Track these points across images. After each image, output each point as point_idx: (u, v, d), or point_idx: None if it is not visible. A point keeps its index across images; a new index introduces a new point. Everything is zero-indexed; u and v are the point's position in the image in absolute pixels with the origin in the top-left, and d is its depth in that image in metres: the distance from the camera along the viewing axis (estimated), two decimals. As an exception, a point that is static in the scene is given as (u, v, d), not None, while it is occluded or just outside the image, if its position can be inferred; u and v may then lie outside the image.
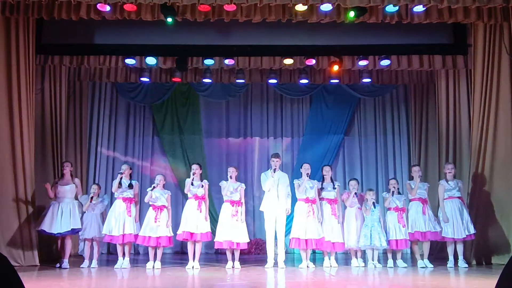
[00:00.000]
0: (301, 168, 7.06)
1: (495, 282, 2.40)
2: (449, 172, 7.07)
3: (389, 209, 7.03)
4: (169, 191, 7.09)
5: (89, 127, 9.89)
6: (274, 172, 6.90)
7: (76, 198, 7.06)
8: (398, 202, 7.00)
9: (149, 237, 6.67)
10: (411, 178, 7.25)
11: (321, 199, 7.01)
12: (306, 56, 8.15)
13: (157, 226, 6.68)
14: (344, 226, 7.01)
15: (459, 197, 6.96)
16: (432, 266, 6.71)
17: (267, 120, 10.45)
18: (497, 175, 7.17)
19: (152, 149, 10.30)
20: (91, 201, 7.01)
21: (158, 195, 6.82)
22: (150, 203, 6.83)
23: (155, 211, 6.76)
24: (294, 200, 7.03)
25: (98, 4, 6.51)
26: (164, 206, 6.82)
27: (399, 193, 7.13)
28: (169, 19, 6.80)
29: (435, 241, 7.14)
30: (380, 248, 6.86)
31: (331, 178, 7.18)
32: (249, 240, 6.97)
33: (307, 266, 6.74)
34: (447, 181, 7.04)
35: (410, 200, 7.10)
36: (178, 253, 9.39)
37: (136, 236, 6.78)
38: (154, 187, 6.77)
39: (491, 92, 7.25)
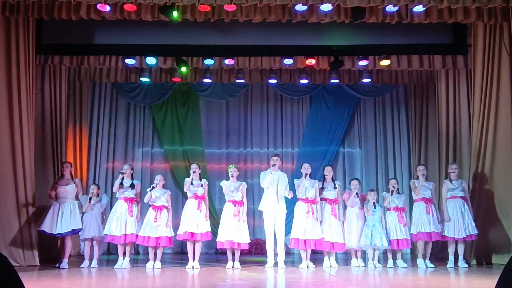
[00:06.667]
0: (301, 168, 7.07)
1: (495, 282, 2.40)
2: (452, 172, 7.08)
3: (388, 209, 7.03)
4: (169, 191, 7.08)
5: (89, 127, 9.88)
6: (274, 171, 6.91)
7: (77, 198, 7.06)
8: (398, 202, 7.01)
9: (149, 237, 6.67)
10: (416, 177, 7.25)
11: (322, 199, 7.01)
12: (306, 56, 8.15)
13: (157, 226, 6.68)
14: (345, 226, 7.01)
15: (462, 197, 6.95)
16: (433, 266, 6.71)
17: (267, 120, 10.44)
18: (497, 175, 7.17)
19: (152, 149, 10.29)
20: (89, 202, 7.01)
21: (158, 195, 6.82)
22: (150, 203, 6.83)
23: (155, 211, 6.76)
24: (294, 200, 7.03)
25: (98, 4, 6.52)
26: (164, 206, 6.81)
27: (398, 192, 7.14)
28: (175, 14, 6.72)
29: (436, 241, 7.14)
30: (381, 248, 6.86)
31: (332, 178, 7.18)
32: (250, 241, 6.98)
33: (307, 266, 6.74)
34: (450, 181, 7.04)
35: (414, 200, 7.11)
36: (178, 253, 9.38)
37: (137, 236, 6.78)
38: (153, 188, 6.78)
39: (491, 92, 7.25)
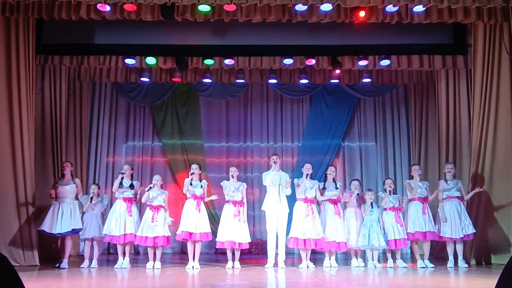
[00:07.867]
0: (302, 167, 7.06)
1: (495, 282, 2.39)
2: (448, 172, 7.07)
3: (385, 209, 7.03)
4: (167, 192, 7.09)
5: (89, 127, 9.87)
6: (275, 170, 6.92)
7: (76, 198, 7.06)
8: (395, 202, 7.00)
9: (146, 237, 6.67)
10: (411, 177, 7.25)
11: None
12: (306, 56, 8.15)
13: (154, 226, 6.68)
14: (344, 226, 7.01)
15: (458, 197, 6.95)
16: (433, 266, 6.71)
17: (267, 120, 10.43)
18: (497, 175, 7.17)
19: (152, 149, 10.29)
20: (91, 201, 7.01)
21: (156, 195, 6.83)
22: (148, 203, 6.84)
23: (152, 211, 6.77)
24: (293, 200, 7.03)
25: (98, 4, 6.51)
26: (161, 206, 6.82)
27: (394, 193, 7.13)
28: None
29: (435, 241, 7.14)
30: (379, 248, 6.86)
31: (333, 178, 7.17)
32: (250, 240, 6.98)
33: (307, 266, 6.74)
34: (446, 181, 7.04)
35: (410, 200, 7.10)
36: (178, 253, 9.38)
37: (136, 236, 6.78)
38: (150, 187, 6.79)
39: (491, 92, 7.24)
